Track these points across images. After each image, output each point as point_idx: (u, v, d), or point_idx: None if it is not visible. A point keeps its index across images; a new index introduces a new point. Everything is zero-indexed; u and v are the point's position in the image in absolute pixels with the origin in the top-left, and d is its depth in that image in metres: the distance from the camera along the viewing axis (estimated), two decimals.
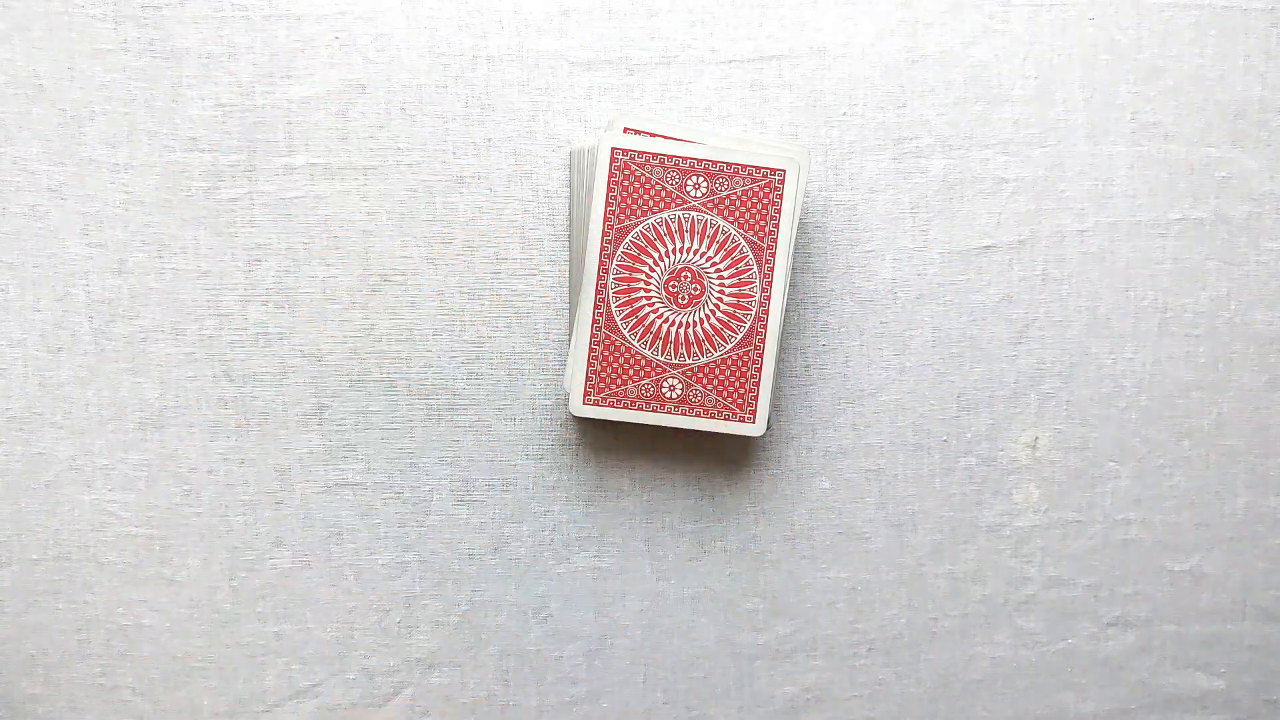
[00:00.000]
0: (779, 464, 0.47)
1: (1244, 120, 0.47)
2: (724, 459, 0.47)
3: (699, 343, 0.44)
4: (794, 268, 0.46)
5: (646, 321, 0.44)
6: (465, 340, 0.46)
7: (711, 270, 0.44)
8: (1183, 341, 0.48)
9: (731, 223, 0.43)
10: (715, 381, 0.44)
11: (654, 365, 0.44)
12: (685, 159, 0.43)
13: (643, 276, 0.44)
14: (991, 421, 0.48)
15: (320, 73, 0.45)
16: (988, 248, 0.47)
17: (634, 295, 0.44)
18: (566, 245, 0.46)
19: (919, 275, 0.47)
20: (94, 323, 0.45)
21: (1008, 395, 0.47)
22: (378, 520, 0.47)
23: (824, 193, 0.46)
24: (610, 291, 0.44)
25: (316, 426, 0.46)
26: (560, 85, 0.45)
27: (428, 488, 0.47)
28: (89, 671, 0.47)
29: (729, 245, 0.44)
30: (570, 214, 0.45)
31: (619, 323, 0.44)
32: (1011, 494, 0.48)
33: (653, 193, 0.43)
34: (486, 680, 0.48)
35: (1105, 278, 0.47)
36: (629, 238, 0.43)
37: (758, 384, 0.44)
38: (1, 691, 0.47)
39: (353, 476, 0.46)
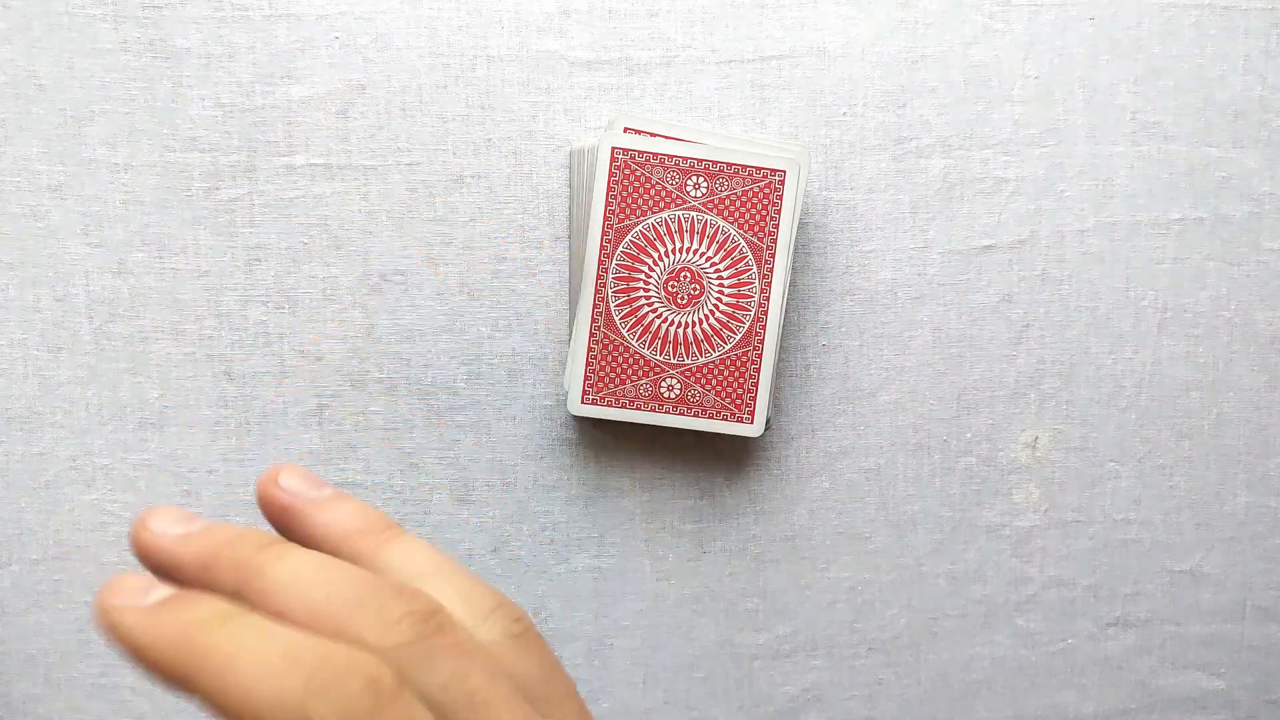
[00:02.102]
0: (779, 464, 0.47)
1: (1244, 120, 0.47)
2: (724, 459, 0.47)
3: (698, 343, 0.44)
4: (794, 268, 0.46)
5: (646, 321, 0.44)
6: (465, 340, 0.46)
7: (711, 270, 0.44)
8: (1183, 341, 0.48)
9: (731, 223, 0.43)
10: (714, 382, 0.44)
11: (653, 365, 0.44)
12: (685, 159, 0.43)
13: (642, 276, 0.44)
14: (991, 421, 0.48)
15: (320, 73, 0.45)
16: (988, 248, 0.47)
17: (633, 295, 0.44)
18: (566, 245, 0.46)
19: (919, 275, 0.47)
20: (94, 323, 0.45)
21: (1008, 395, 0.47)
22: None
23: (824, 193, 0.46)
24: (610, 291, 0.44)
25: (316, 426, 0.46)
26: (560, 85, 0.45)
27: (428, 488, 0.47)
28: (89, 671, 0.47)
29: (729, 245, 0.44)
30: (570, 214, 0.45)
31: (618, 322, 0.44)
32: (1011, 494, 0.48)
33: (653, 193, 0.43)
34: None
35: (1105, 278, 0.47)
36: (629, 237, 0.43)
37: (756, 384, 0.44)
38: (1, 691, 0.47)
39: (353, 476, 0.46)
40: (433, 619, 0.21)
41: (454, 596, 0.23)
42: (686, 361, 0.44)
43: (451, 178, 0.45)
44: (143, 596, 0.21)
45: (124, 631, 0.21)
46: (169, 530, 0.23)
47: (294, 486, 0.25)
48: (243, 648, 0.20)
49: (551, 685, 0.23)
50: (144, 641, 0.20)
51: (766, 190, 0.43)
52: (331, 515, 0.25)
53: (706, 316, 0.44)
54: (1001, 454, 0.48)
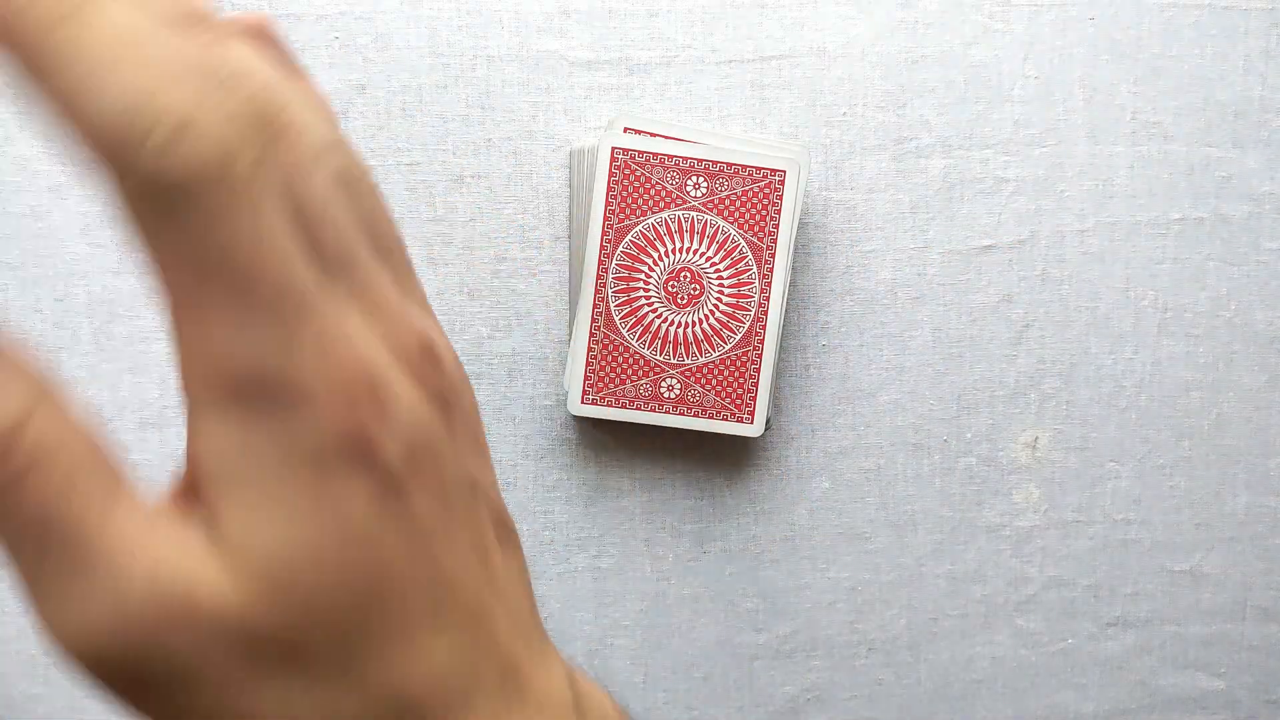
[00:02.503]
0: (779, 464, 0.47)
1: (1244, 120, 0.47)
2: (724, 459, 0.47)
3: (698, 343, 0.44)
4: (794, 268, 0.46)
5: (646, 321, 0.44)
6: (465, 340, 0.46)
7: (711, 270, 0.44)
8: (1183, 341, 0.48)
9: (731, 223, 0.43)
10: (714, 382, 0.44)
11: (653, 365, 0.44)
12: (685, 159, 0.43)
13: (642, 276, 0.44)
14: (991, 421, 0.48)
15: (320, 73, 0.45)
16: (988, 248, 0.47)
17: (633, 295, 0.44)
18: (566, 245, 0.46)
19: (919, 275, 0.47)
20: (94, 323, 0.45)
21: (1008, 395, 0.47)
22: None
23: (824, 193, 0.46)
24: (610, 291, 0.44)
25: None
26: (560, 85, 0.45)
27: None
28: None
29: (729, 245, 0.44)
30: (570, 214, 0.45)
31: (618, 322, 0.44)
32: (1011, 494, 0.48)
33: (653, 193, 0.43)
34: None
35: (1105, 278, 0.47)
36: (629, 237, 0.43)
37: (756, 384, 0.44)
38: (1, 691, 0.47)
39: None
40: (279, 120, 0.14)
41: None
42: (686, 361, 0.44)
43: (451, 178, 0.45)
44: None
45: None
46: None
47: None
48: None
49: (386, 240, 0.18)
50: None
51: (766, 190, 0.43)
52: None
53: (706, 316, 0.44)
54: (1001, 454, 0.48)
